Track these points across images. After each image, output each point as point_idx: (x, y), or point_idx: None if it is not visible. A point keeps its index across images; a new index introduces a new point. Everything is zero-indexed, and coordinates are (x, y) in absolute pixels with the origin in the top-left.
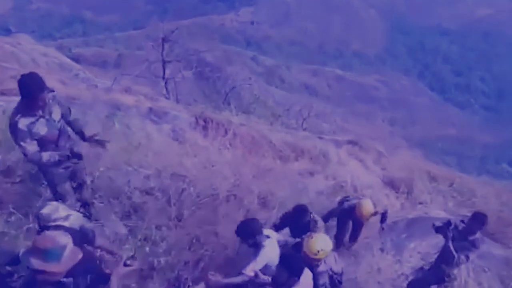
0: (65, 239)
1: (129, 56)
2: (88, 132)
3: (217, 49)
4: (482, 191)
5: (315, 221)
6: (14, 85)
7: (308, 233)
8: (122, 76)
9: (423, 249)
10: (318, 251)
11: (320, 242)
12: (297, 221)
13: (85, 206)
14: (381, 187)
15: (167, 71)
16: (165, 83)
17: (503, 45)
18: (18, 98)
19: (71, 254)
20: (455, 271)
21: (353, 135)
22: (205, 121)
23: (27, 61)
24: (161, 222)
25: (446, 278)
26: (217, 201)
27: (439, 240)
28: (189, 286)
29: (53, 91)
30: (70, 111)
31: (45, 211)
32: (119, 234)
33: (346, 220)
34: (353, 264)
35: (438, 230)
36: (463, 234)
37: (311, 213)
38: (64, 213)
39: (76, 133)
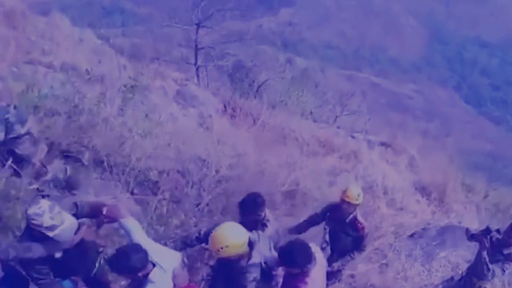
0: None
1: (165, 49)
2: None
3: (252, 50)
4: None
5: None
6: (41, 57)
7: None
8: (152, 60)
9: (454, 259)
10: (220, 248)
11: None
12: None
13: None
14: (412, 192)
15: (199, 59)
16: (197, 69)
17: None
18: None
19: None
20: (488, 285)
21: (386, 137)
22: (233, 109)
23: (59, 39)
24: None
25: None
26: (239, 189)
27: (472, 251)
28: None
29: None
30: None
31: (30, 210)
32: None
33: (334, 222)
34: (379, 268)
35: (473, 237)
36: (497, 245)
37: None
38: (49, 222)
39: None
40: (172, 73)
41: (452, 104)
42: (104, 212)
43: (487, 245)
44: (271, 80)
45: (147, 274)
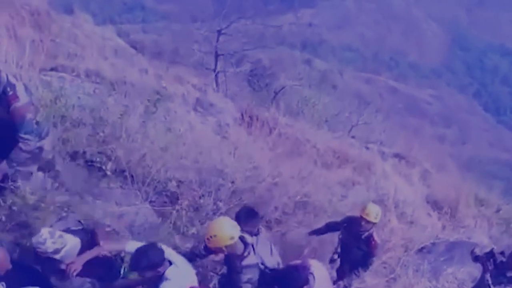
0: None
1: (185, 48)
2: None
3: (271, 51)
4: None
5: None
6: (67, 61)
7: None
8: (173, 64)
9: (461, 275)
10: (210, 237)
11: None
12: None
13: None
14: (424, 206)
15: (219, 65)
16: (216, 75)
17: None
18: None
19: None
20: None
21: (401, 148)
22: (250, 117)
23: (83, 41)
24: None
25: None
26: (254, 200)
27: (479, 269)
28: None
29: None
30: None
31: (34, 239)
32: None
33: (349, 235)
34: (387, 282)
35: (477, 259)
36: (501, 268)
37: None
38: (53, 247)
39: None
40: (192, 79)
41: (471, 111)
42: (101, 245)
43: (490, 267)
44: (289, 87)
45: (165, 271)
